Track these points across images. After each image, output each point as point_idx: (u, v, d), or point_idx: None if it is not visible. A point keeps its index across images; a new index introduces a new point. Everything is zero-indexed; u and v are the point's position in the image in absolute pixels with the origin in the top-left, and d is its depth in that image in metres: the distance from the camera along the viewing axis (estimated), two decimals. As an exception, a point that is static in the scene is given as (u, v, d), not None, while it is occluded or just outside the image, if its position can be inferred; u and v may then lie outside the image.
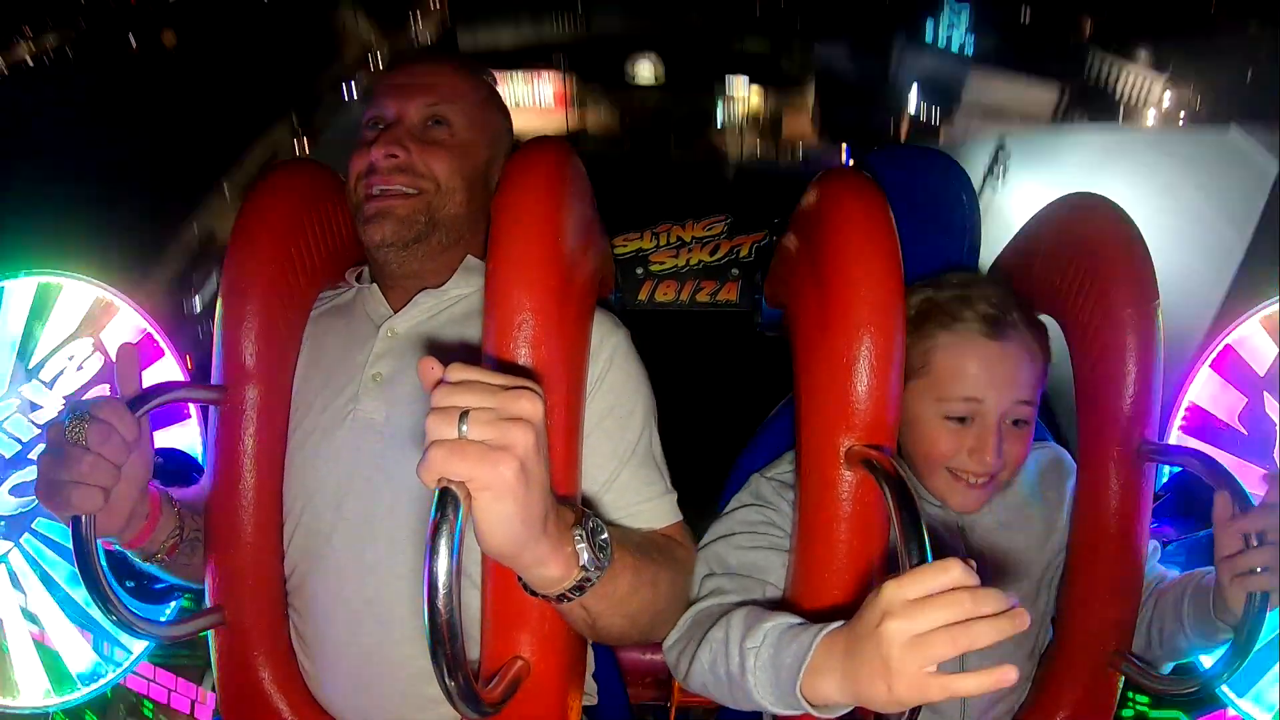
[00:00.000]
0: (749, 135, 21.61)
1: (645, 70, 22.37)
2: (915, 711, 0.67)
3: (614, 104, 21.93)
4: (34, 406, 1.42)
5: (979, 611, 0.58)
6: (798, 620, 0.77)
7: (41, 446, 0.86)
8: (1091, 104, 18.74)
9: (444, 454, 0.59)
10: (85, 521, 0.82)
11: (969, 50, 20.31)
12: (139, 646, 1.42)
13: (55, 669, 1.41)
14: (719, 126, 21.94)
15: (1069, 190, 1.11)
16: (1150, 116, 18.11)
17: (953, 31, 20.55)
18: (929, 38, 20.89)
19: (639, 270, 1.59)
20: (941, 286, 1.01)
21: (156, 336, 1.44)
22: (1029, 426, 0.99)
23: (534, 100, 21.71)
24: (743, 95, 22.00)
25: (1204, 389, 1.39)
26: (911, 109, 21.12)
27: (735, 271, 1.58)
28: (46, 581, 1.41)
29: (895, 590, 0.62)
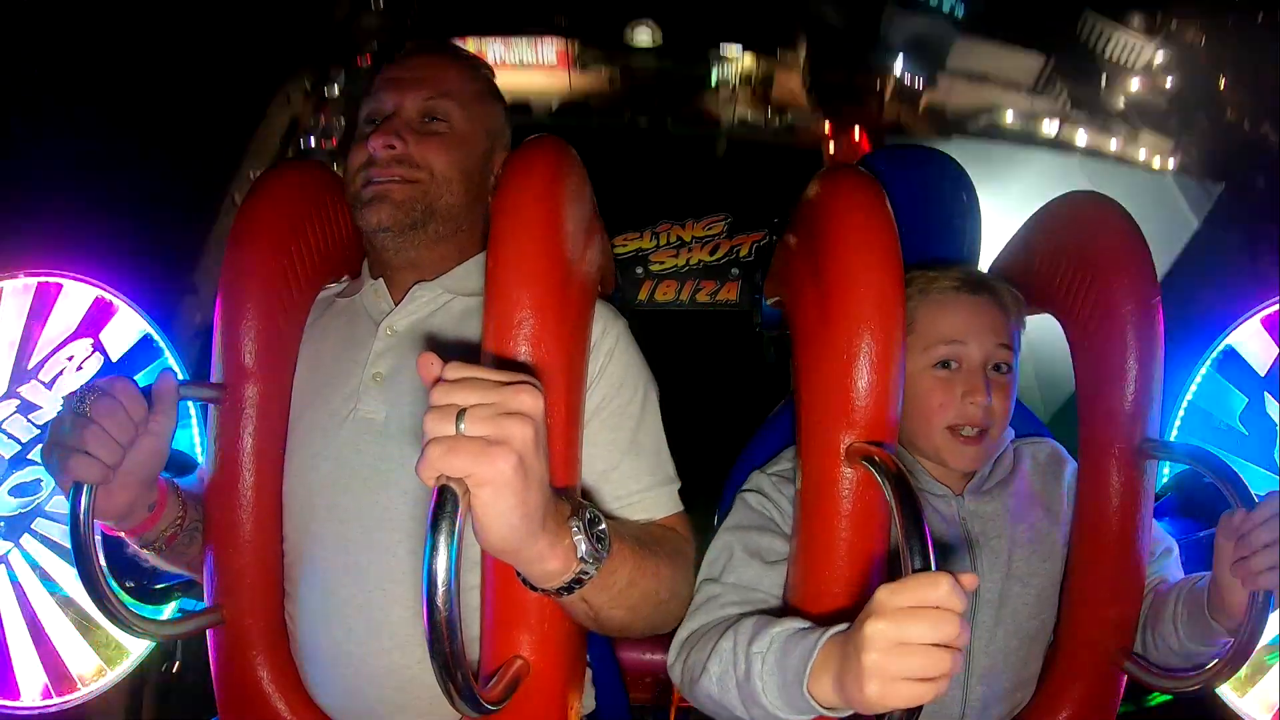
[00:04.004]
0: (742, 96, 22.44)
1: (644, 35, 23.17)
2: (916, 712, 0.67)
3: (613, 65, 22.93)
4: (33, 407, 1.42)
5: (960, 643, 0.61)
6: (806, 624, 0.77)
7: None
8: (1074, 72, 19.12)
9: (441, 451, 0.59)
10: (84, 497, 0.81)
11: (959, 12, 20.34)
12: (139, 647, 1.42)
13: (55, 669, 1.40)
14: (714, 86, 22.74)
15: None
16: (1135, 84, 18.67)
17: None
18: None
19: (639, 270, 1.59)
20: (918, 266, 1.06)
21: (156, 337, 1.44)
22: (1011, 375, 1.03)
23: (538, 59, 22.15)
24: (736, 57, 22.70)
25: (1204, 389, 1.39)
26: (897, 72, 21.30)
27: (735, 271, 1.58)
28: (46, 582, 1.41)
29: (886, 595, 0.63)
